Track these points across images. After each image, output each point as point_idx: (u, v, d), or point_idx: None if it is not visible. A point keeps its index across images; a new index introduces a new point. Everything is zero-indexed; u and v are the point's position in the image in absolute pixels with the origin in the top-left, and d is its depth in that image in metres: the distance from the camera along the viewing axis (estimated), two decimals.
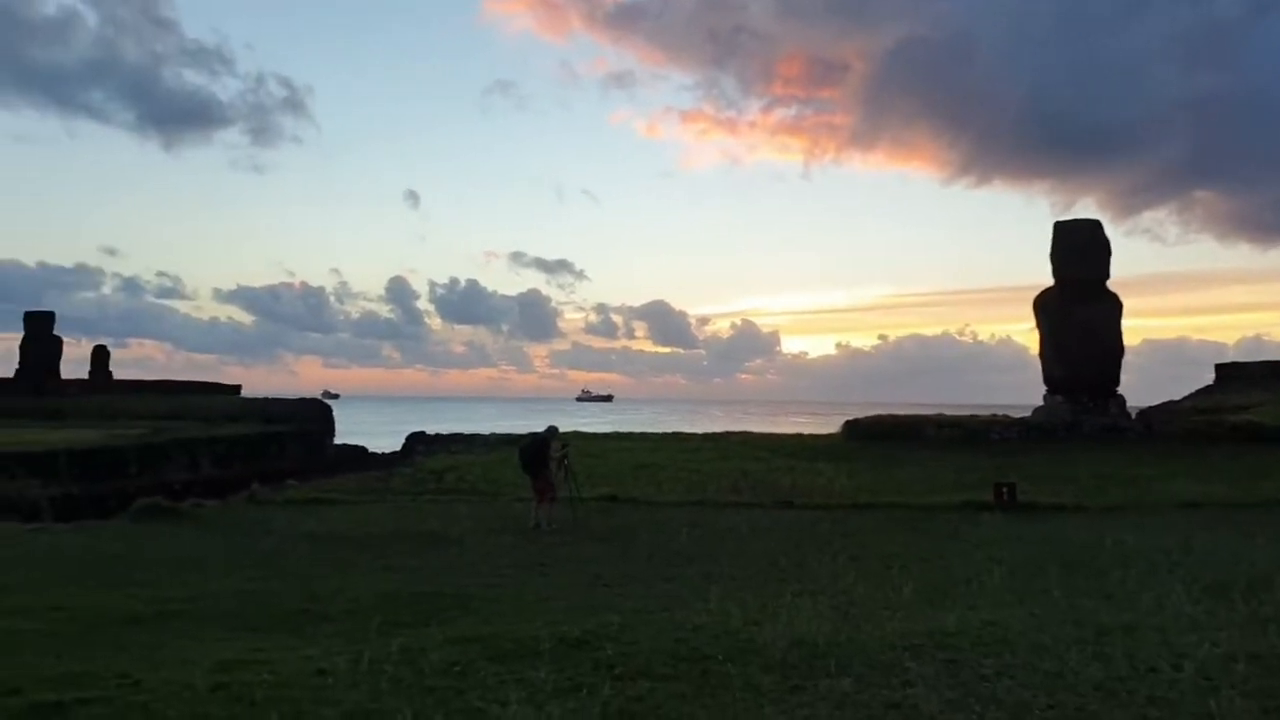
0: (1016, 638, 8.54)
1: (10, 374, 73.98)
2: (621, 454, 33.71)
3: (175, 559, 14.32)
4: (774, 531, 17.69)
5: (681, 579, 12.63)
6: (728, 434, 42.79)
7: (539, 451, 19.86)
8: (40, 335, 75.80)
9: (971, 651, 8.07)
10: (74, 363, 78.95)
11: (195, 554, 14.98)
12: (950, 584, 11.98)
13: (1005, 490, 21.88)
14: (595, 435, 39.86)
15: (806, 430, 47.19)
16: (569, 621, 9.14)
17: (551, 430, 20.54)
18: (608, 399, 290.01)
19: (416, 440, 42.88)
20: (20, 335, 75.14)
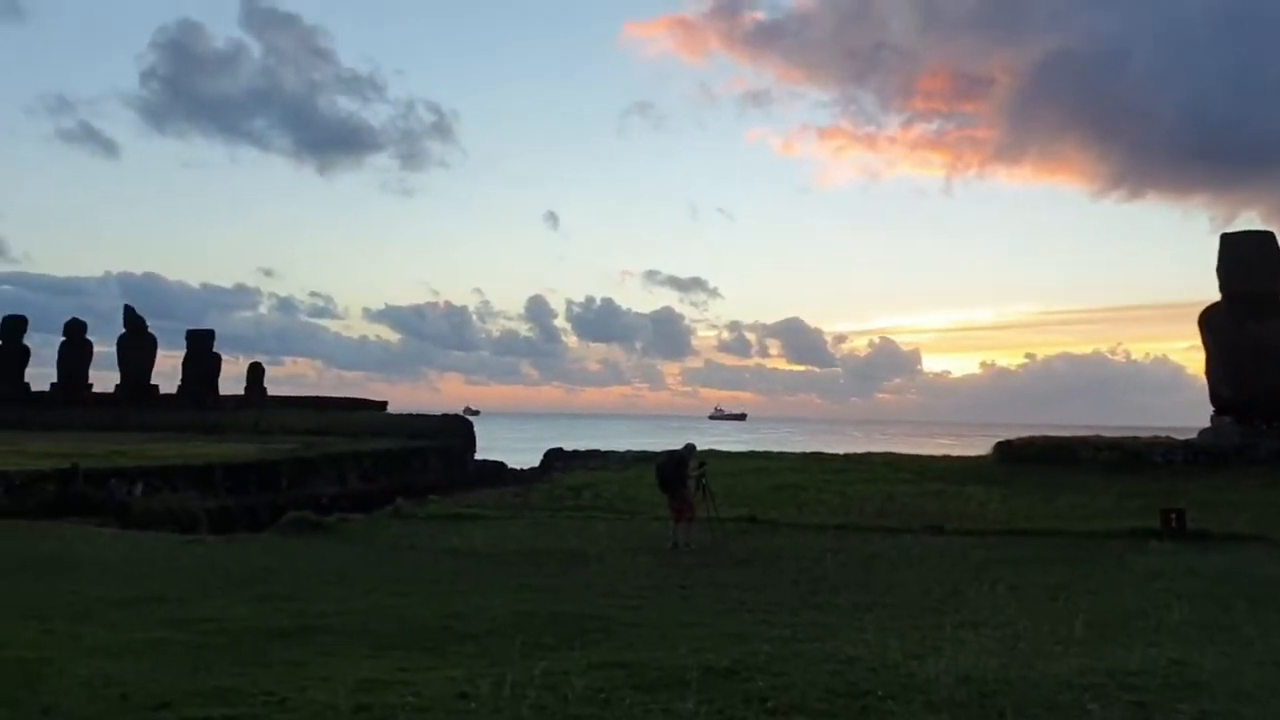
0: (1211, 680, 7.74)
1: (174, 390, 77.70)
2: (759, 474, 33.14)
3: (320, 573, 14.49)
4: (926, 558, 16.90)
5: (830, 607, 12.07)
6: (870, 455, 41.68)
7: (677, 470, 19.53)
8: (201, 353, 79.51)
9: (1160, 694, 7.33)
10: (231, 379, 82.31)
11: (340, 568, 15.15)
12: (1125, 618, 11.09)
13: (1174, 517, 20.46)
14: (731, 454, 39.36)
15: (953, 452, 45.64)
16: (715, 649, 8.74)
17: (689, 448, 20.18)
18: (741, 418, 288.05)
19: (554, 457, 43.20)
20: (184, 353, 79.03)
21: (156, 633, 9.54)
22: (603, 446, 47.14)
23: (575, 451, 43.60)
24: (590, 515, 23.42)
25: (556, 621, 10.52)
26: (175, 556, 16.08)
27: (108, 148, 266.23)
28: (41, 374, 77.49)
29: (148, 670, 7.77)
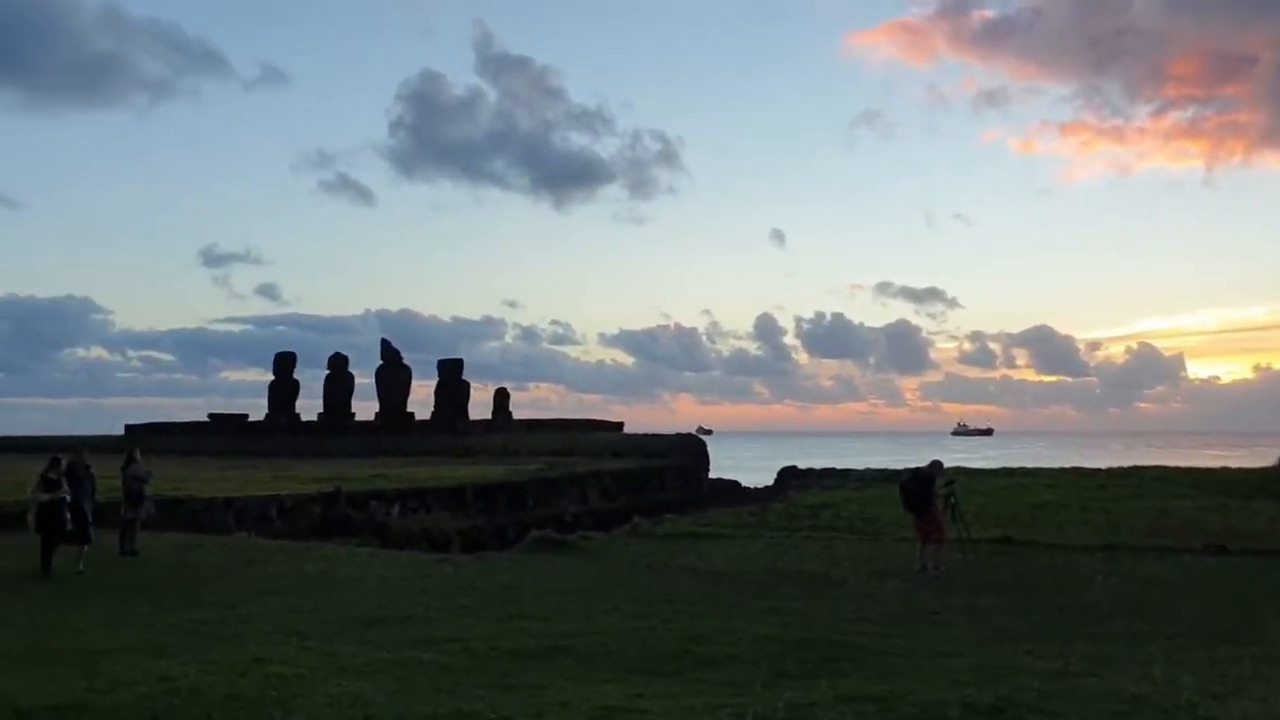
0: None
1: (428, 416, 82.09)
2: (1013, 491, 31.28)
3: (562, 591, 14.54)
4: (1211, 582, 15.23)
5: (1106, 636, 10.94)
6: (1138, 468, 38.61)
7: (922, 488, 18.52)
8: (451, 381, 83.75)
9: None
10: (480, 405, 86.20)
11: (581, 586, 15.17)
12: None
13: None
14: (981, 471, 37.40)
15: (1230, 464, 41.65)
16: (977, 684, 7.96)
17: (935, 465, 19.11)
18: (987, 433, 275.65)
19: (789, 474, 42.44)
20: (436, 381, 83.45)
21: (405, 652, 9.69)
22: (839, 464, 46.04)
23: (810, 470, 42.72)
24: (831, 536, 22.67)
25: (801, 648, 9.99)
26: (426, 575, 16.60)
27: (364, 196, 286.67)
28: (310, 405, 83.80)
29: (393, 690, 7.82)
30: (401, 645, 10.10)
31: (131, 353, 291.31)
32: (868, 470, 40.85)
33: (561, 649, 9.90)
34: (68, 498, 16.49)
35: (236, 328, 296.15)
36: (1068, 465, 42.21)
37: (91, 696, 7.30)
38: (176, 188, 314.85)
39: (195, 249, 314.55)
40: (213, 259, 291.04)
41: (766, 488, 44.37)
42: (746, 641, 10.31)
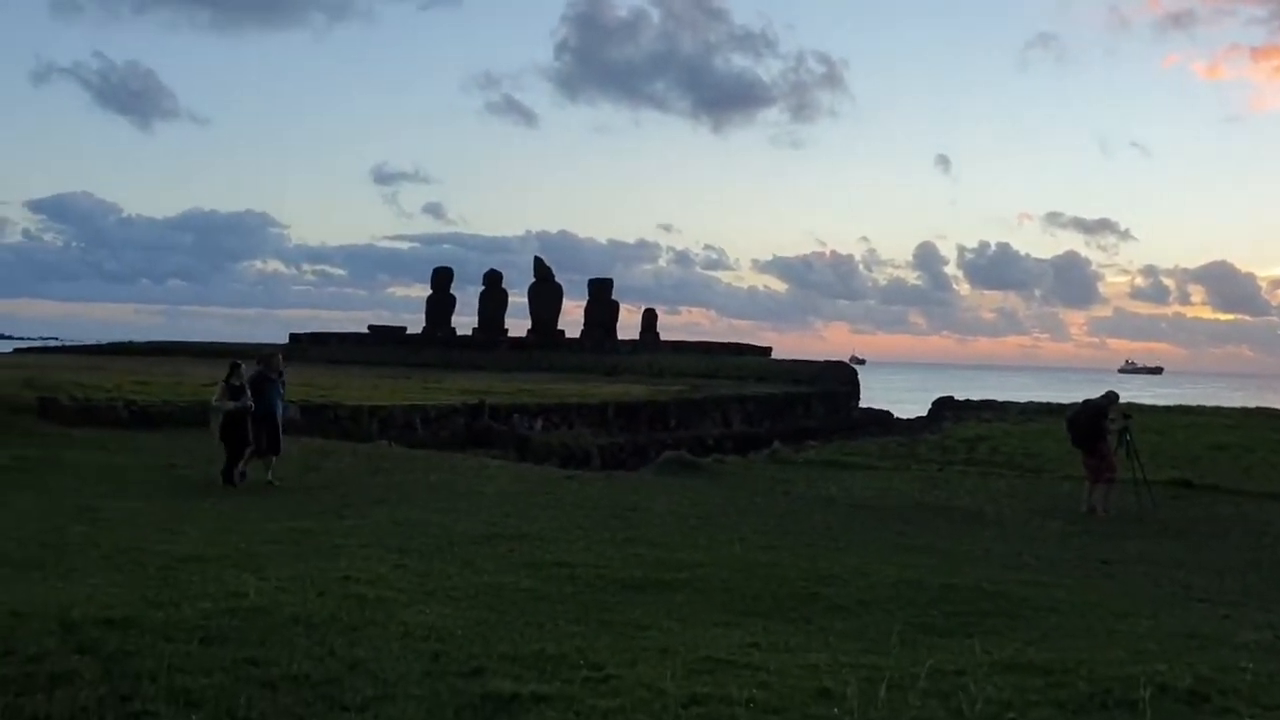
0: None
1: (578, 335, 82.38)
2: (1190, 430, 28.69)
3: (689, 516, 13.56)
4: None
5: None
6: None
7: (1093, 422, 16.70)
8: (601, 300, 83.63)
9: None
10: (630, 326, 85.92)
11: (709, 512, 14.16)
12: None
13: None
14: (1155, 408, 34.60)
15: None
16: (1167, 656, 6.55)
17: (1110, 397, 17.20)
18: (1157, 371, 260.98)
19: (944, 406, 40.29)
20: (586, 300, 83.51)
21: (504, 576, 8.86)
22: (999, 397, 43.51)
23: (968, 401, 40.43)
24: (986, 471, 21.01)
25: (948, 597, 8.71)
26: (551, 491, 15.88)
27: (528, 118, 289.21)
28: (467, 321, 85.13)
29: (477, 621, 6.97)
30: (503, 568, 9.28)
31: (306, 266, 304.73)
32: (1030, 403, 38.29)
33: (675, 582, 8.90)
34: (251, 406, 15.41)
35: (404, 245, 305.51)
36: (1249, 406, 38.78)
37: (150, 610, 6.68)
38: (351, 107, 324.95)
39: (367, 167, 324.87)
40: (383, 177, 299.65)
41: (919, 419, 42.27)
42: (885, 586, 9.09)
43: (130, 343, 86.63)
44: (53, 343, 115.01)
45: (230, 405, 15.37)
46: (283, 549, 9.71)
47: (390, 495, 14.45)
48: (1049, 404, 36.21)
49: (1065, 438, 17.64)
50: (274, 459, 15.79)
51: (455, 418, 33.76)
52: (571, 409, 38.55)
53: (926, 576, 9.61)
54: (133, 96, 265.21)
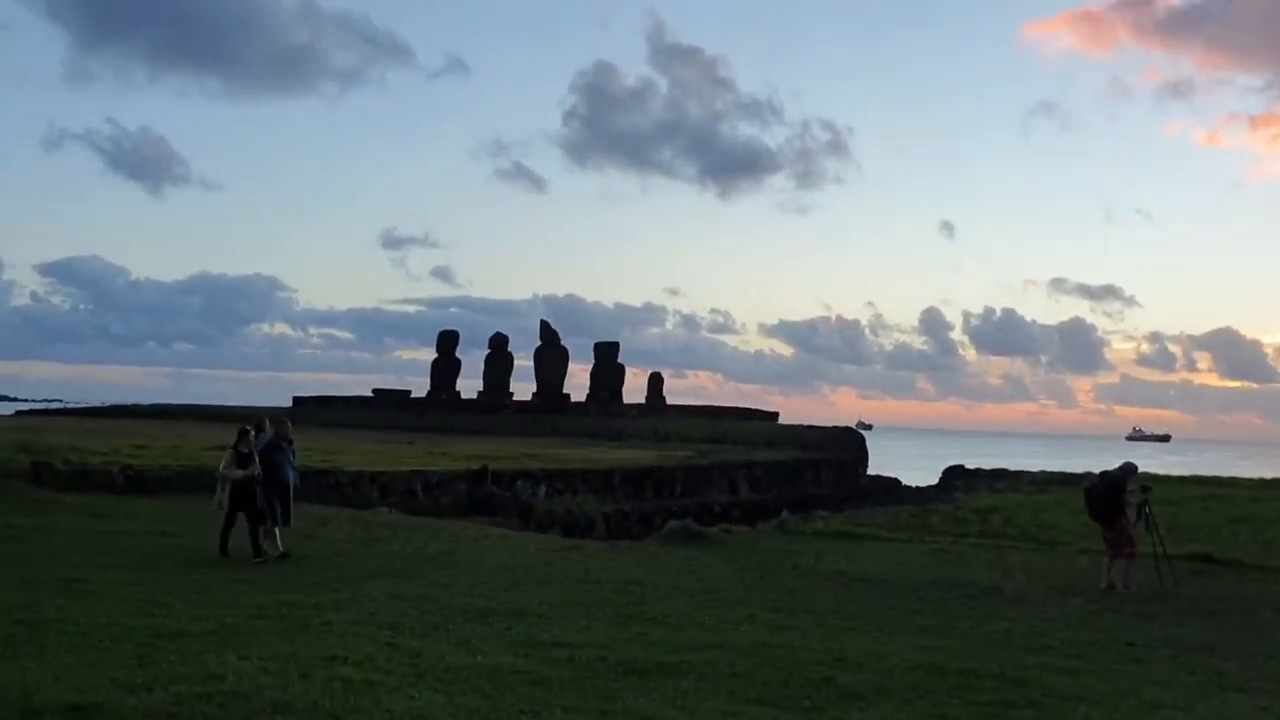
0: None
1: (584, 398, 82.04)
2: (1208, 503, 28.09)
3: (693, 592, 13.07)
4: None
5: None
6: None
7: (1112, 494, 16.20)
8: (607, 362, 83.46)
9: None
10: (637, 390, 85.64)
11: (716, 586, 13.68)
12: None
13: None
14: (1169, 479, 34.00)
15: None
16: None
17: (1128, 468, 16.71)
18: (1164, 439, 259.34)
19: (955, 474, 39.73)
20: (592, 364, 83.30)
21: (500, 657, 8.41)
22: (1009, 465, 42.95)
23: (979, 470, 39.87)
24: (1001, 544, 20.44)
25: (970, 684, 8.23)
26: (552, 563, 15.42)
27: (537, 183, 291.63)
28: (474, 385, 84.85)
29: (468, 710, 6.53)
30: (500, 648, 8.83)
31: (312, 330, 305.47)
32: (1042, 473, 37.73)
33: (681, 666, 8.43)
34: (259, 474, 14.74)
35: (411, 308, 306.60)
36: (1259, 476, 38.13)
37: (120, 695, 6.27)
38: (361, 173, 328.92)
39: (376, 231, 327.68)
40: (392, 241, 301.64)
41: (929, 487, 41.72)
42: (902, 671, 8.61)
43: (134, 405, 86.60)
44: (56, 405, 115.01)
45: (238, 474, 14.80)
46: (270, 625, 9.27)
47: (387, 567, 14.00)
48: (1062, 473, 35.65)
49: (1082, 509, 17.15)
50: (278, 529, 15.01)
51: (458, 484, 33.29)
52: (576, 475, 38.09)
53: (945, 660, 9.13)
54: (145, 162, 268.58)
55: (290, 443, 15.75)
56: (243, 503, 14.69)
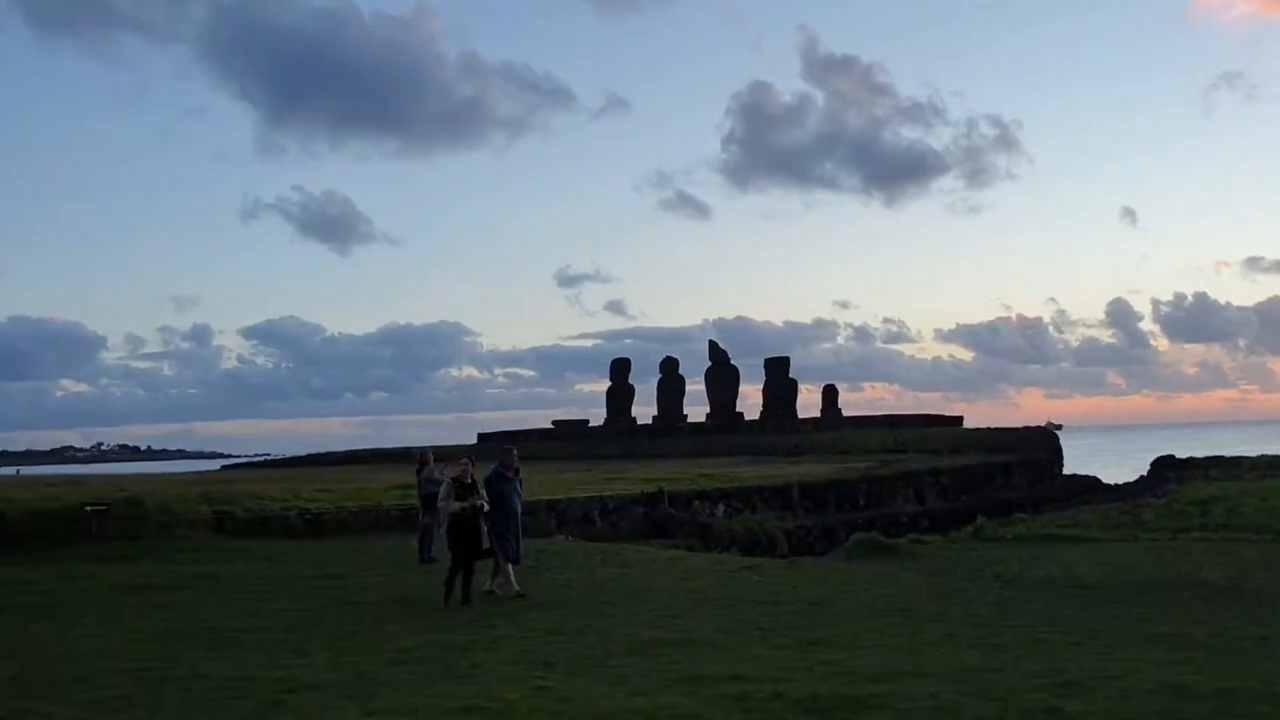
0: None
1: (757, 416, 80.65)
2: None
3: (883, 612, 11.72)
4: None
5: None
6: None
7: None
8: (779, 378, 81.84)
9: None
10: (811, 407, 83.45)
11: (908, 603, 12.28)
12: None
13: None
14: None
15: None
16: None
17: None
18: None
19: (1165, 465, 36.47)
20: (764, 381, 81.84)
21: (661, 696, 7.40)
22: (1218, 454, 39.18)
23: (1191, 459, 36.45)
24: (1228, 538, 18.13)
25: (1231, 708, 6.70)
26: (727, 585, 14.33)
27: (701, 210, 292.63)
28: (648, 412, 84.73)
29: None
30: (661, 684, 7.82)
31: (497, 370, 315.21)
32: (1263, 457, 34.11)
33: (871, 700, 7.21)
34: (485, 506, 13.17)
35: (589, 342, 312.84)
36: None
37: None
38: (533, 216, 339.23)
39: (550, 271, 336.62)
40: (566, 279, 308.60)
41: (1135, 481, 38.42)
42: (1144, 694, 7.14)
43: (329, 453, 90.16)
44: (262, 458, 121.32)
45: (456, 506, 13.07)
46: (409, 671, 8.53)
47: (553, 597, 13.20)
48: None
49: None
50: (510, 567, 13.53)
51: (634, 508, 32.58)
52: (753, 492, 36.98)
53: (1193, 678, 7.57)
54: (331, 224, 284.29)
55: (517, 473, 14.13)
56: (463, 540, 13.02)
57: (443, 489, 13.55)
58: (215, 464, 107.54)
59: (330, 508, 24.41)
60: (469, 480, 13.32)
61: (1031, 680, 7.71)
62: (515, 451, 14.51)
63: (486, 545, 13.25)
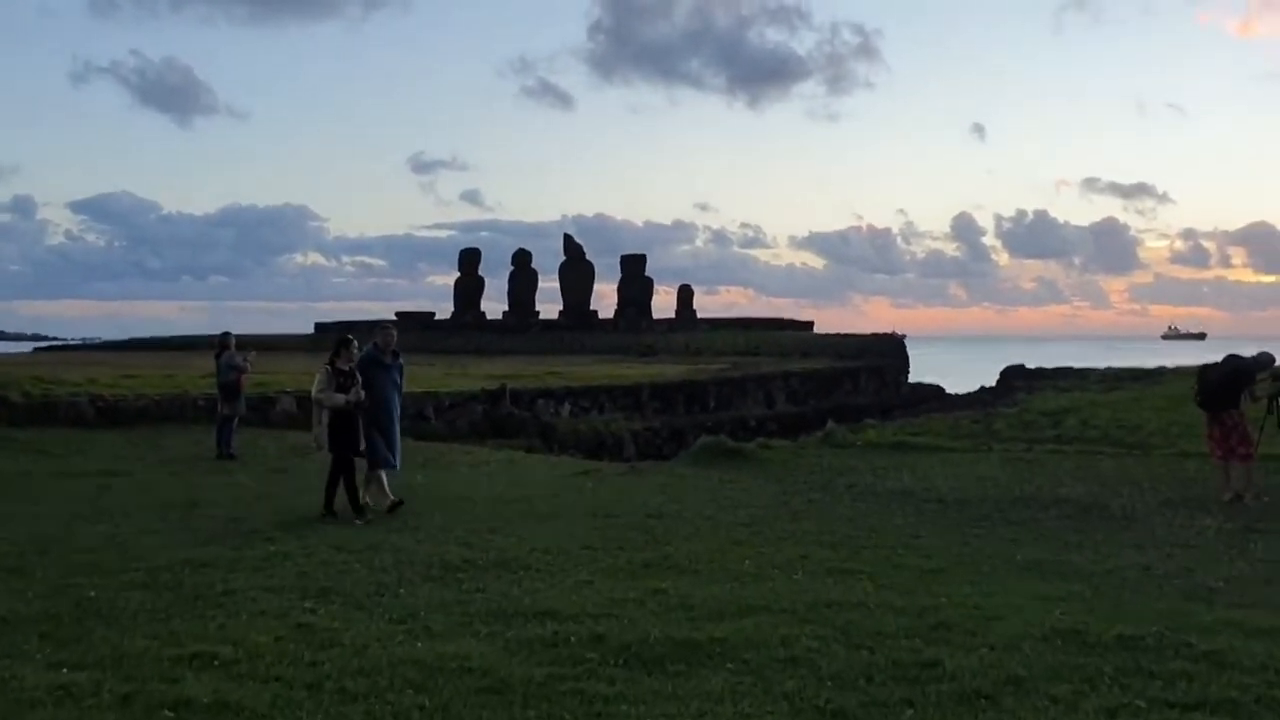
0: None
1: (611, 315, 79.39)
2: None
3: (729, 525, 10.44)
4: None
5: None
6: None
7: (1234, 381, 13.37)
8: (634, 276, 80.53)
9: None
10: (666, 308, 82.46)
11: (756, 516, 11.03)
12: None
13: None
14: None
15: None
16: None
17: (1264, 359, 13.82)
18: (1200, 337, 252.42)
19: (1014, 375, 36.77)
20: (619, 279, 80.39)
21: (451, 642, 5.86)
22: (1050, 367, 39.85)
23: (1040, 370, 36.86)
24: (1084, 450, 17.67)
25: (1140, 663, 5.54)
26: (558, 494, 12.87)
27: (564, 100, 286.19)
28: (501, 307, 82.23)
29: None
30: (456, 626, 6.26)
31: (345, 258, 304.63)
32: (1110, 369, 34.64)
33: (713, 647, 5.82)
34: (365, 400, 10.91)
35: (443, 233, 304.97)
36: None
37: None
38: (387, 96, 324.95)
39: (404, 156, 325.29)
40: (420, 166, 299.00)
41: (978, 391, 38.75)
42: (1032, 641, 5.95)
43: (160, 338, 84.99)
44: (94, 341, 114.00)
45: (340, 399, 10.82)
46: (146, 598, 6.74)
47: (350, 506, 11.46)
48: (1134, 369, 32.61)
49: (1161, 407, 14.34)
50: (383, 474, 11.45)
51: (473, 405, 30.79)
52: (601, 392, 35.79)
53: (1084, 620, 6.45)
54: (171, 93, 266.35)
55: (396, 356, 11.80)
56: (345, 439, 10.89)
57: (319, 378, 11.02)
58: (30, 346, 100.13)
59: (129, 395, 21.87)
60: (348, 367, 10.96)
61: (899, 620, 6.46)
62: (394, 331, 11.93)
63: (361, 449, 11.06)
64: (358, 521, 10.42)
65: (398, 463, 11.67)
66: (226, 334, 17.59)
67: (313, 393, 11.24)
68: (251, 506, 11.33)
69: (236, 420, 16.89)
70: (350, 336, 11.47)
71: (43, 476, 13.55)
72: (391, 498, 11.23)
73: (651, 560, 8.45)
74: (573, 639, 5.92)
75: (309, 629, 6.06)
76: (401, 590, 7.24)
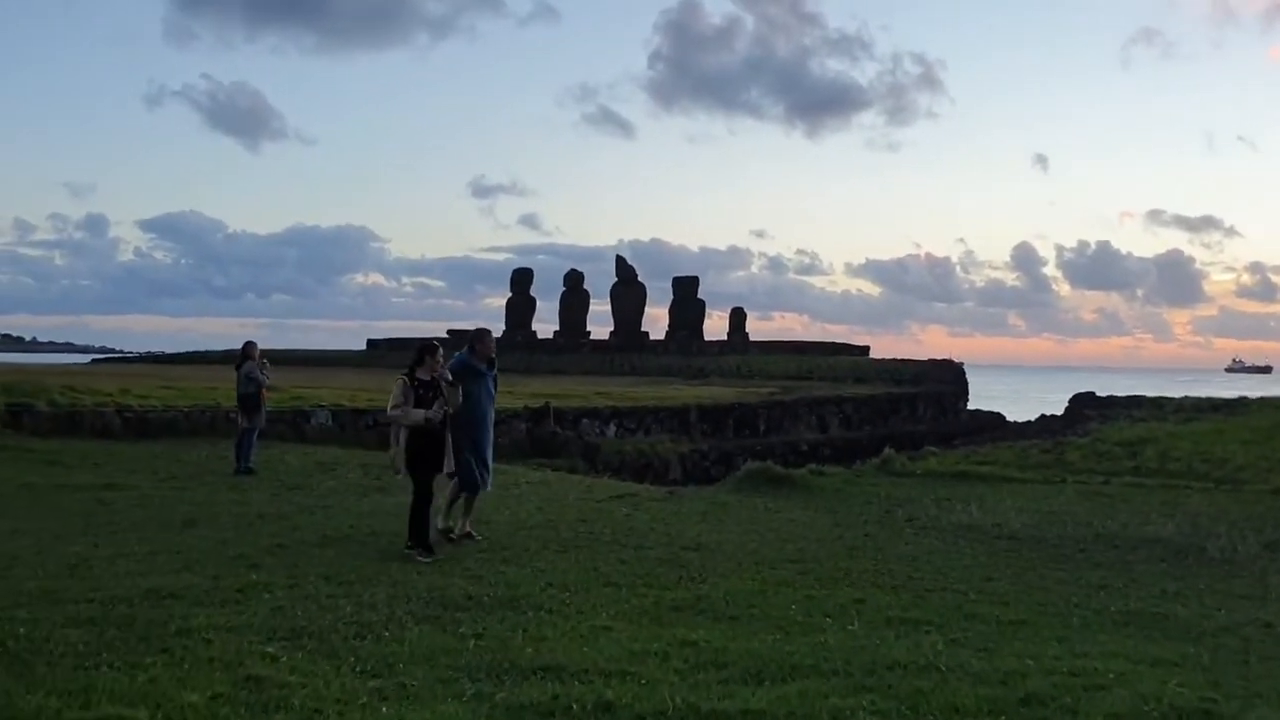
0: None
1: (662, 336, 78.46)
2: None
3: (774, 562, 9.25)
4: None
5: None
6: None
7: None
8: (687, 298, 79.51)
9: None
10: (717, 330, 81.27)
11: (805, 551, 9.84)
12: None
13: None
14: None
15: None
16: None
17: None
18: (1266, 370, 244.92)
19: (1084, 403, 35.04)
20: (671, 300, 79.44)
21: (429, 704, 4.77)
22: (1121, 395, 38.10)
23: (1113, 398, 35.05)
24: (1167, 484, 16.20)
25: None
26: (587, 520, 11.72)
27: (624, 128, 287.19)
28: (551, 328, 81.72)
29: None
30: (439, 685, 5.17)
31: (405, 279, 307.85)
32: (1187, 398, 32.77)
33: (748, 707, 4.68)
34: (446, 413, 9.38)
35: (500, 256, 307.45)
36: None
37: None
38: (450, 122, 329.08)
39: (465, 180, 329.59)
40: (480, 190, 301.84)
41: (1046, 418, 36.99)
42: (1126, 705, 4.74)
43: (209, 351, 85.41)
44: (156, 354, 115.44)
45: (420, 415, 9.26)
46: (99, 638, 5.75)
47: (359, 529, 10.46)
48: (1213, 399, 30.76)
49: (1251, 440, 12.90)
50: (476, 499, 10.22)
51: (516, 423, 29.82)
52: (648, 413, 34.75)
53: (1208, 695, 5.21)
54: (241, 117, 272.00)
55: (492, 365, 10.41)
56: (429, 458, 9.40)
57: (395, 391, 9.45)
58: (90, 358, 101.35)
59: (157, 406, 21.19)
60: (428, 377, 9.44)
61: (978, 690, 5.26)
62: (491, 336, 10.58)
63: (451, 469, 9.75)
64: (423, 560, 8.85)
65: (490, 484, 10.39)
66: (249, 343, 16.76)
67: (388, 408, 9.67)
68: (250, 527, 10.36)
69: (257, 434, 16.04)
70: (435, 343, 9.97)
71: (44, 489, 12.75)
72: (467, 528, 10.01)
73: (682, 602, 7.32)
74: (574, 706, 4.82)
75: (257, 683, 5.01)
76: (386, 633, 6.18)
